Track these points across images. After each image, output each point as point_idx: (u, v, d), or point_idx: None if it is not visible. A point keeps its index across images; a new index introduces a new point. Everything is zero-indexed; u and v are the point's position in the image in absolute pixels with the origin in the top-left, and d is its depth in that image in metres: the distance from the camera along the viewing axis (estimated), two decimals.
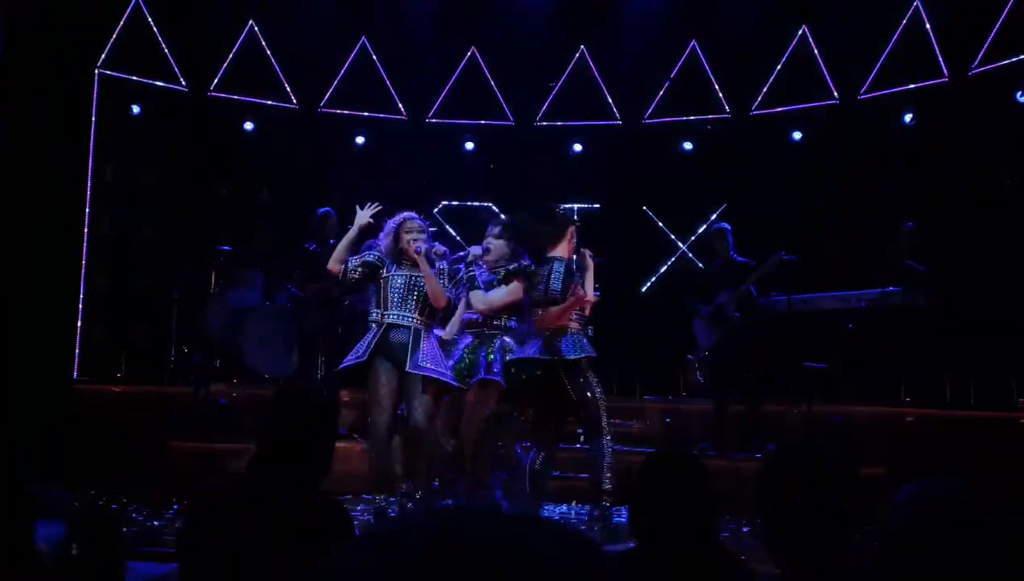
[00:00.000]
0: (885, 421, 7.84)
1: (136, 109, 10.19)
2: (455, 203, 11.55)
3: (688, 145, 11.03)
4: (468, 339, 6.57)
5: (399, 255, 6.35)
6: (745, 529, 6.41)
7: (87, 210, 9.59)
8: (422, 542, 0.92)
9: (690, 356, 8.90)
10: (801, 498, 2.20)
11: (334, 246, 9.27)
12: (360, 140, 11.26)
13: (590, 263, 6.34)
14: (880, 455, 7.24)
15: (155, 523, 6.09)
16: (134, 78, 10.15)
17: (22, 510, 2.67)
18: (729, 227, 8.75)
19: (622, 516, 5.87)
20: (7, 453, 2.46)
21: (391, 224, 6.41)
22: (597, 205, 11.41)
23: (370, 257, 6.38)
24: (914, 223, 8.64)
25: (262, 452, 2.83)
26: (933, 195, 9.36)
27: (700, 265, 11.06)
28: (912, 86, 9.72)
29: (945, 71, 9.49)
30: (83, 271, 9.53)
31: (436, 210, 11.42)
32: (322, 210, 9.43)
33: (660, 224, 11.38)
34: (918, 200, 9.41)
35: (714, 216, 11.00)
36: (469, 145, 11.40)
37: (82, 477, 6.30)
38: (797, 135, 10.52)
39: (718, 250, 8.74)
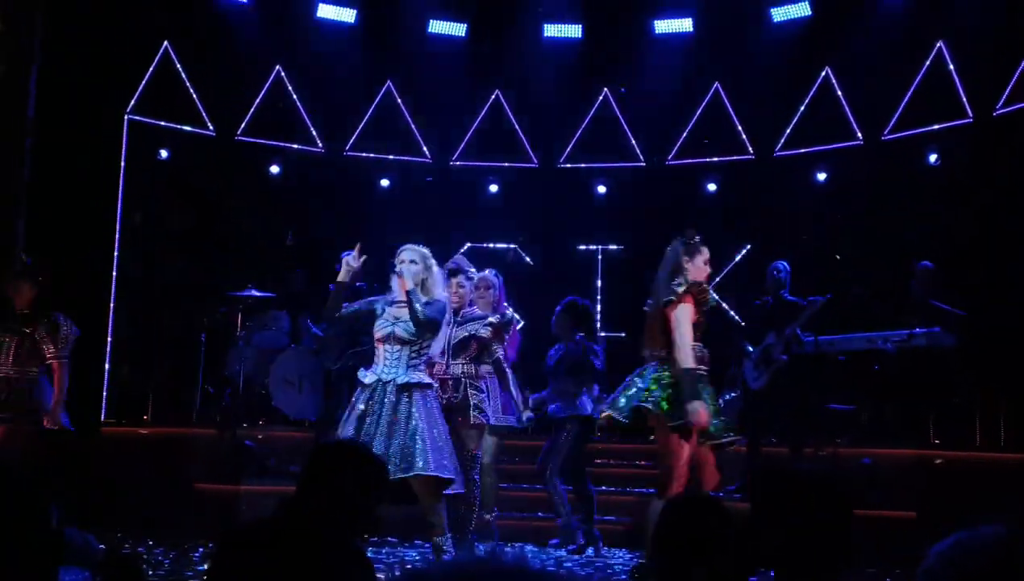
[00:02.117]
0: (914, 464, 7.75)
1: (164, 153, 10.31)
2: (480, 245, 11.59)
3: (712, 186, 11.05)
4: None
5: None
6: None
7: (116, 253, 9.69)
8: None
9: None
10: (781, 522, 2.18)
11: (360, 288, 9.38)
12: (385, 182, 11.34)
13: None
14: (909, 498, 7.16)
15: (181, 566, 6.09)
16: (163, 123, 10.29)
17: (50, 555, 2.68)
18: (787, 267, 8.64)
19: None
20: (37, 497, 2.48)
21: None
22: (621, 246, 11.43)
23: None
24: (930, 262, 8.57)
25: (298, 499, 2.84)
26: (959, 235, 9.31)
27: (724, 306, 11.03)
28: (936, 127, 9.71)
29: (969, 111, 9.47)
30: (111, 313, 9.62)
31: (461, 251, 11.46)
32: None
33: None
34: (944, 240, 9.36)
35: (738, 257, 10.98)
36: (493, 187, 11.46)
37: (109, 519, 6.32)
38: (822, 176, 10.50)
39: (770, 288, 8.58)
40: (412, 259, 5.93)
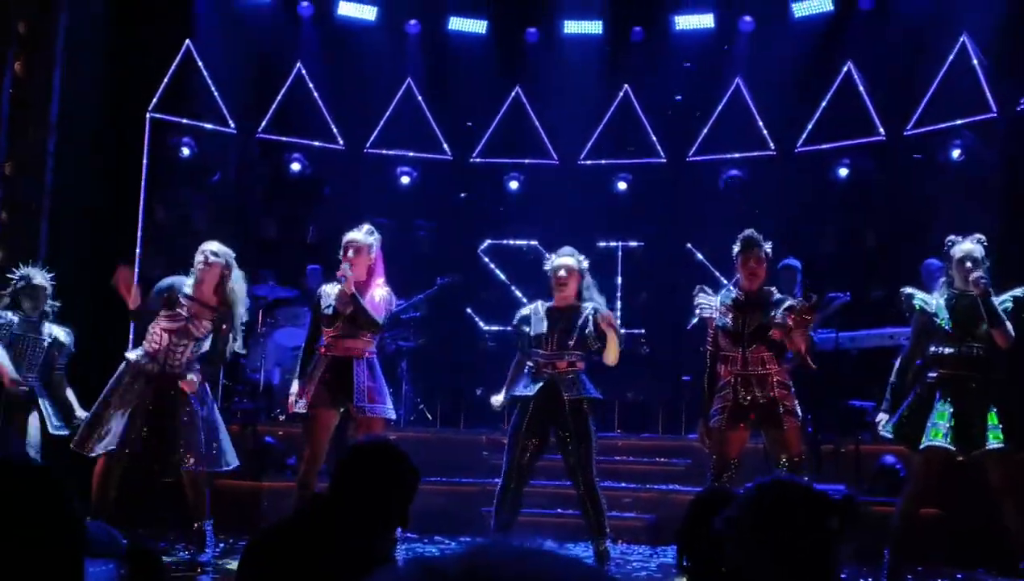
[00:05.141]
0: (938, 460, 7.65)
1: (186, 151, 10.35)
2: (500, 242, 11.60)
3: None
4: None
5: None
6: None
7: (138, 250, 9.74)
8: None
9: None
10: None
11: None
12: (406, 180, 11.36)
13: None
14: (933, 495, 7.09)
15: (202, 560, 6.12)
16: (184, 121, 10.33)
17: (76, 547, 2.70)
18: (799, 265, 8.61)
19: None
20: (59, 489, 2.49)
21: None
22: (641, 242, 11.41)
23: None
24: (936, 260, 8.50)
25: (332, 497, 2.85)
26: (983, 232, 9.20)
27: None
28: (960, 121, 9.63)
29: (993, 106, 9.39)
30: None
31: (481, 248, 11.49)
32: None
33: (704, 261, 11.30)
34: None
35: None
36: (513, 184, 11.45)
37: (130, 516, 6.35)
38: (843, 171, 10.44)
39: (784, 288, 8.58)
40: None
